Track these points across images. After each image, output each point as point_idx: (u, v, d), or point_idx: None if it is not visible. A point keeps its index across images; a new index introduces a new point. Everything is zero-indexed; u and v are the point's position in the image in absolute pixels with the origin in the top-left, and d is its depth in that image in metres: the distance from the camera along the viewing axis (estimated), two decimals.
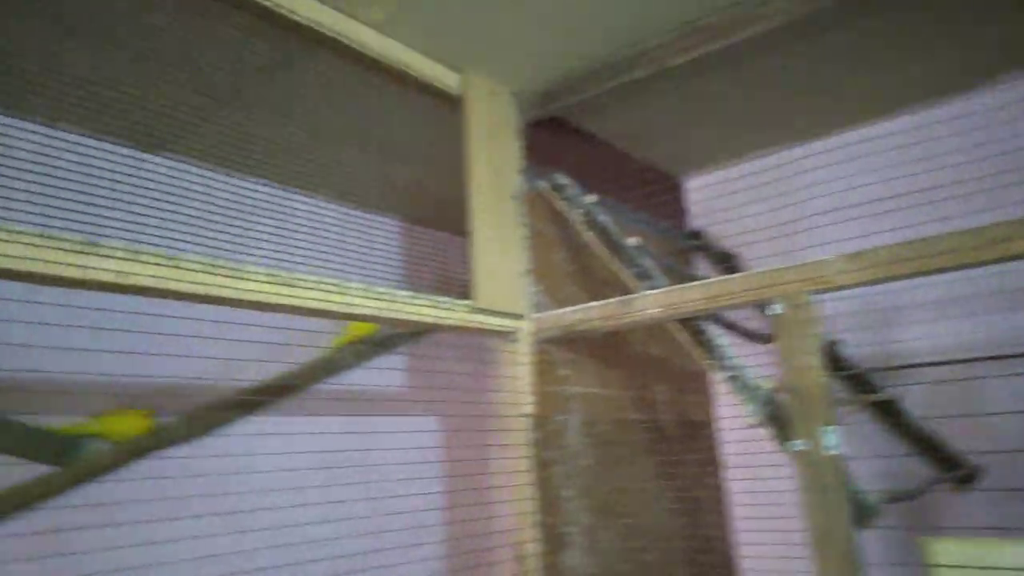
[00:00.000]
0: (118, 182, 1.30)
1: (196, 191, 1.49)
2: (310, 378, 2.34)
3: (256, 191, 1.59)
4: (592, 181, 2.15)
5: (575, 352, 2.05)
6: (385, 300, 1.65)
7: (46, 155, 1.19)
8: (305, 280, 1.51)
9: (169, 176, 1.57)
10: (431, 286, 2.26)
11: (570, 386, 2.02)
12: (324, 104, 1.83)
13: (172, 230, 1.36)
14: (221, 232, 1.44)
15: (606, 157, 2.42)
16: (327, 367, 2.37)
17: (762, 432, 1.62)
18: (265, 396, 2.19)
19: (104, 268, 1.21)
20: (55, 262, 1.16)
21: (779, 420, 1.58)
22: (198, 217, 1.48)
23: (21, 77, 1.18)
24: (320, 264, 1.68)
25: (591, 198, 2.04)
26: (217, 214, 1.54)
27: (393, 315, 1.67)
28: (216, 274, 1.36)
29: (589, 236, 2.01)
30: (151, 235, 1.32)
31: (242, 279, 1.40)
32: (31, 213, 1.18)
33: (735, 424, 2.49)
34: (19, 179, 1.17)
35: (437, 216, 2.52)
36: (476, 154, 1.91)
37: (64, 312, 1.45)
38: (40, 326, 1.55)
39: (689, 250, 2.68)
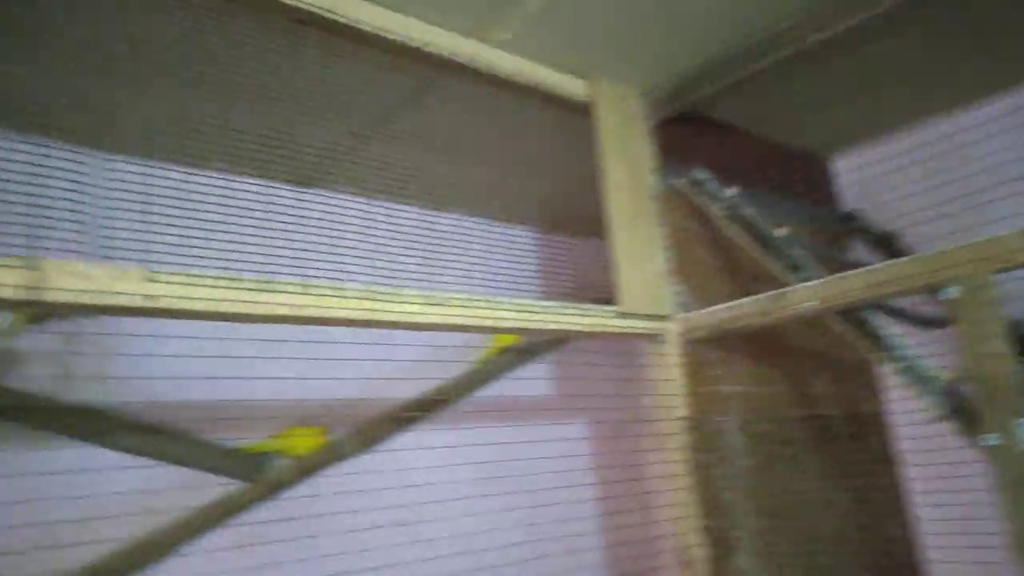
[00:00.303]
0: (286, 220, 1.41)
1: (350, 221, 1.58)
2: (462, 390, 2.43)
3: (405, 215, 1.67)
4: (732, 172, 2.07)
5: (726, 350, 1.99)
6: (532, 312, 1.68)
7: (227, 202, 1.32)
8: (456, 299, 1.57)
9: (326, 209, 1.68)
10: (570, 292, 2.27)
11: (724, 386, 1.96)
12: (460, 126, 1.90)
13: (334, 261, 1.45)
14: (378, 258, 1.53)
15: (745, 146, 2.33)
16: (477, 378, 2.44)
17: (944, 426, 1.49)
18: (422, 410, 2.29)
19: (280, 303, 1.32)
20: (238, 300, 1.28)
21: (965, 413, 1.45)
22: (355, 246, 1.58)
23: (199, 136, 1.31)
24: (466, 279, 1.73)
25: (732, 191, 1.97)
26: (370, 241, 1.63)
27: (541, 326, 1.69)
28: (376, 300, 1.45)
29: (733, 230, 1.94)
30: (317, 267, 1.42)
31: (399, 302, 1.48)
32: (214, 258, 1.31)
33: (911, 418, 2.30)
34: (203, 227, 1.31)
35: (572, 222, 2.53)
36: (609, 158, 1.90)
37: (247, 344, 1.60)
38: (224, 357, 1.71)
39: (844, 235, 2.51)
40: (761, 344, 2.07)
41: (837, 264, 1.96)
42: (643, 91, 2.02)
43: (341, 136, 1.64)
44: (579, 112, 1.92)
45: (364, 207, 1.64)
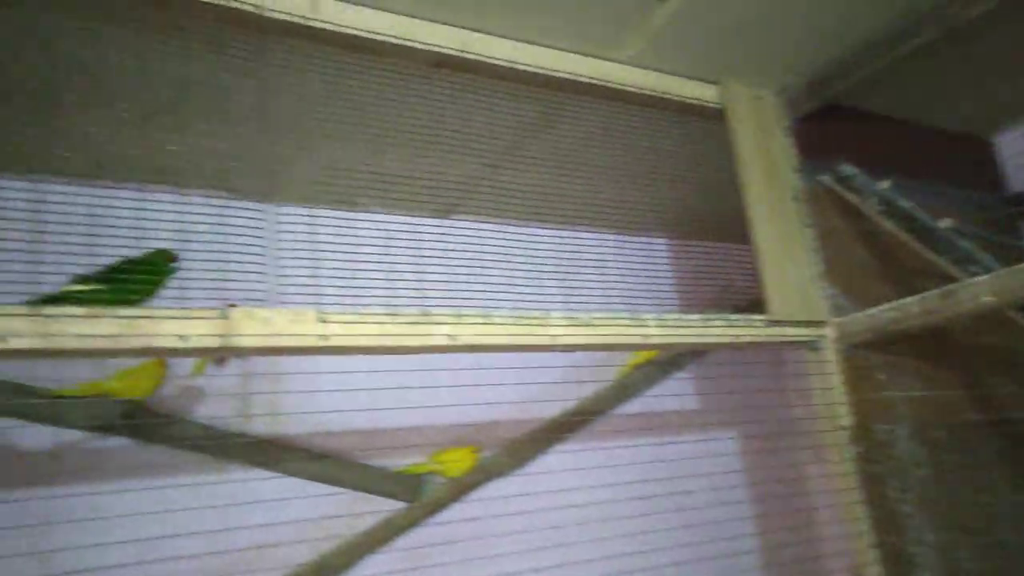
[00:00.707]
0: (433, 252, 1.47)
1: (490, 248, 1.62)
2: (604, 406, 2.42)
3: (542, 237, 1.69)
4: (884, 163, 1.95)
5: (890, 354, 1.86)
6: (678, 327, 1.65)
7: (383, 240, 1.40)
8: (600, 318, 1.57)
9: (467, 238, 1.74)
10: (710, 299, 2.21)
11: (891, 391, 1.83)
12: (590, 144, 1.90)
13: (480, 288, 1.50)
14: (520, 282, 1.56)
15: (895, 134, 2.18)
16: (620, 393, 2.43)
17: None
18: (568, 427, 2.30)
19: (436, 334, 1.38)
20: (399, 334, 1.36)
21: None
22: (497, 272, 1.61)
23: (352, 181, 1.40)
24: (606, 296, 1.73)
25: (885, 183, 1.85)
26: (512, 264, 1.66)
27: (687, 340, 1.66)
28: (522, 324, 1.48)
29: (890, 225, 1.82)
30: (465, 296, 1.48)
31: (546, 325, 1.50)
32: (375, 296, 1.39)
33: None
34: (364, 265, 1.39)
35: (707, 228, 2.47)
36: (747, 161, 1.85)
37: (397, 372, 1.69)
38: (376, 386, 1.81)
39: (1016, 218, 2.29)
40: (930, 345, 1.92)
41: (1012, 252, 1.79)
42: (778, 89, 1.94)
43: (477, 167, 1.70)
44: (712, 118, 1.88)
45: (501, 232, 1.68)
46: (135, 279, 1.24)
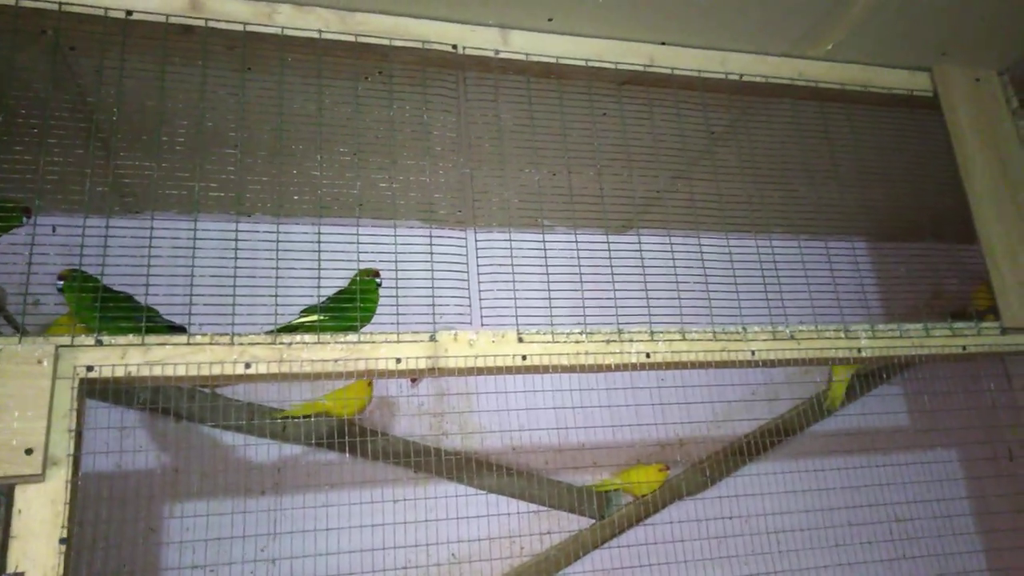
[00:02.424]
0: (631, 266, 1.46)
1: (680, 260, 1.58)
2: (803, 422, 2.28)
3: (737, 247, 1.62)
4: None
5: None
6: (894, 337, 1.51)
7: (575, 259, 1.42)
8: (803, 331, 1.48)
9: (641, 252, 1.70)
10: (918, 305, 2.00)
11: None
12: (783, 147, 1.80)
13: (672, 301, 1.46)
14: (714, 295, 1.50)
15: None
16: (820, 407, 2.27)
17: None
18: (762, 444, 2.19)
19: (631, 352, 1.37)
20: (595, 352, 1.36)
21: None
22: (689, 286, 1.56)
23: (542, 201, 1.43)
24: (808, 304, 1.62)
25: None
26: (703, 276, 1.60)
27: (906, 352, 1.52)
28: (722, 340, 1.42)
29: None
30: (660, 312, 1.44)
31: (745, 340, 1.43)
32: (569, 314, 1.40)
33: None
34: (557, 284, 1.41)
35: (914, 228, 2.24)
36: (968, 153, 1.66)
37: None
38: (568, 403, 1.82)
39: None
40: None
41: None
42: (1002, 68, 1.73)
43: (664, 179, 1.66)
44: (923, 107, 1.71)
45: (691, 244, 1.63)
46: (354, 307, 1.34)
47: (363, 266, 1.34)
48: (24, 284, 1.10)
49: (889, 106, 1.73)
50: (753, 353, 1.43)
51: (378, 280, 1.40)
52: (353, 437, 1.74)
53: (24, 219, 1.28)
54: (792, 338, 1.45)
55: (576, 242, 1.43)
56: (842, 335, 1.49)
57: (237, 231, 1.21)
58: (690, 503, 2.09)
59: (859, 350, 1.49)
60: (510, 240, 1.36)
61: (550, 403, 1.76)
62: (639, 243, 1.50)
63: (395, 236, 1.29)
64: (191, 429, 1.84)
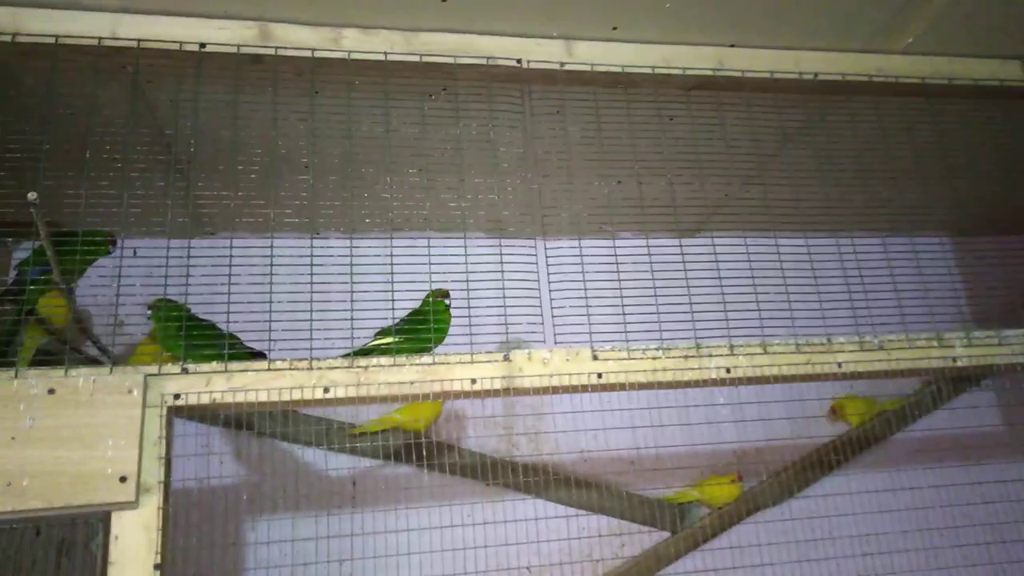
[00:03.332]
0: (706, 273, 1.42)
1: (759, 264, 1.51)
2: (888, 428, 2.17)
3: (817, 247, 1.54)
4: None
5: None
6: (991, 345, 1.42)
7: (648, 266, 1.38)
8: (893, 340, 1.41)
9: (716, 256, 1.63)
10: (1016, 303, 1.88)
11: None
12: (859, 144, 1.72)
13: (754, 313, 1.40)
14: (795, 303, 1.44)
15: None
16: (905, 414, 2.17)
17: None
18: (845, 452, 2.10)
19: (711, 367, 1.32)
20: (672, 369, 1.32)
21: None
22: (771, 290, 1.50)
23: (611, 209, 1.40)
24: (895, 309, 1.53)
25: None
26: (779, 280, 1.53)
27: (1005, 360, 1.43)
28: (805, 352, 1.36)
29: None
30: (739, 323, 1.39)
31: (831, 352, 1.37)
32: (644, 325, 1.36)
33: None
34: (630, 295, 1.37)
35: (1008, 221, 2.11)
36: None
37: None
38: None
39: None
40: None
41: None
42: None
43: (733, 183, 1.61)
44: (1015, 97, 1.61)
45: (765, 246, 1.56)
46: (427, 328, 1.34)
47: (435, 283, 1.33)
48: (110, 306, 1.14)
49: (977, 98, 1.63)
50: (840, 365, 1.36)
51: (447, 301, 1.40)
52: (425, 450, 1.75)
53: (111, 249, 1.33)
54: (881, 348, 1.38)
55: (648, 249, 1.40)
56: (935, 344, 1.41)
57: (312, 256, 1.22)
58: (770, 514, 2.02)
59: (954, 359, 1.41)
60: (580, 255, 1.33)
61: (624, 417, 1.73)
62: (713, 247, 1.45)
63: (466, 257, 1.28)
64: (271, 445, 1.88)
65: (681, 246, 1.42)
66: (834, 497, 2.00)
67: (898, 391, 2.13)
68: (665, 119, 1.46)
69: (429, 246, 1.26)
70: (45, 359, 1.30)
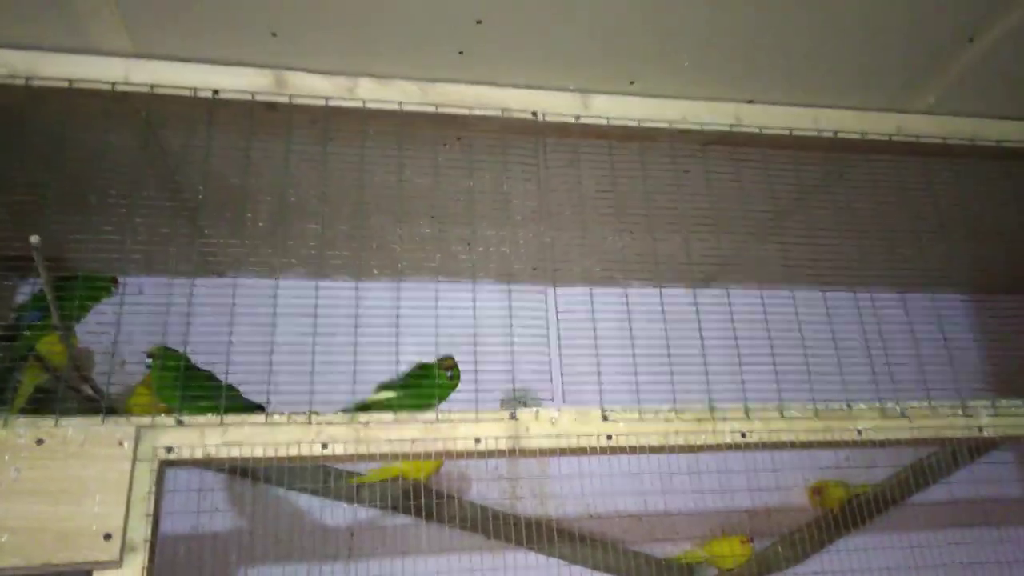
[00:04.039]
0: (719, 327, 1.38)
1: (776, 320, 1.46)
2: (907, 491, 2.10)
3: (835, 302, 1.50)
4: None
5: None
6: (1020, 415, 1.37)
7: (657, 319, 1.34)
8: (916, 408, 1.35)
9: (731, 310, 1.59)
10: None
11: None
12: (874, 203, 1.70)
13: (770, 372, 1.36)
14: (813, 363, 1.39)
15: None
16: (923, 477, 2.10)
17: None
18: (860, 515, 2.02)
19: (726, 431, 1.27)
20: (685, 432, 1.27)
21: None
22: (786, 348, 1.45)
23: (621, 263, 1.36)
24: (914, 371, 1.48)
25: None
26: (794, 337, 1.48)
27: None
28: (824, 419, 1.31)
29: None
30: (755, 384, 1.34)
31: (851, 419, 1.32)
32: (655, 383, 1.32)
33: None
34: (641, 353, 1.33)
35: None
36: None
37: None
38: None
39: None
40: None
41: None
42: None
43: (748, 240, 1.58)
44: None
45: (781, 300, 1.52)
46: (428, 384, 1.30)
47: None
48: (111, 346, 1.11)
49: (999, 159, 1.61)
50: (860, 433, 1.31)
51: (449, 374, 1.35)
52: (427, 500, 1.70)
53: (113, 290, 1.31)
54: (903, 416, 1.33)
55: (661, 298, 1.36)
56: (959, 412, 1.36)
57: (316, 303, 1.20)
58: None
59: (980, 428, 1.35)
60: (592, 309, 1.30)
61: (634, 479, 1.67)
62: (728, 299, 1.41)
63: (474, 310, 1.25)
64: (267, 491, 1.83)
65: (695, 297, 1.38)
66: (849, 559, 1.93)
67: (869, 477, 2.08)
68: (681, 172, 1.44)
69: (437, 291, 1.23)
70: (42, 397, 1.28)
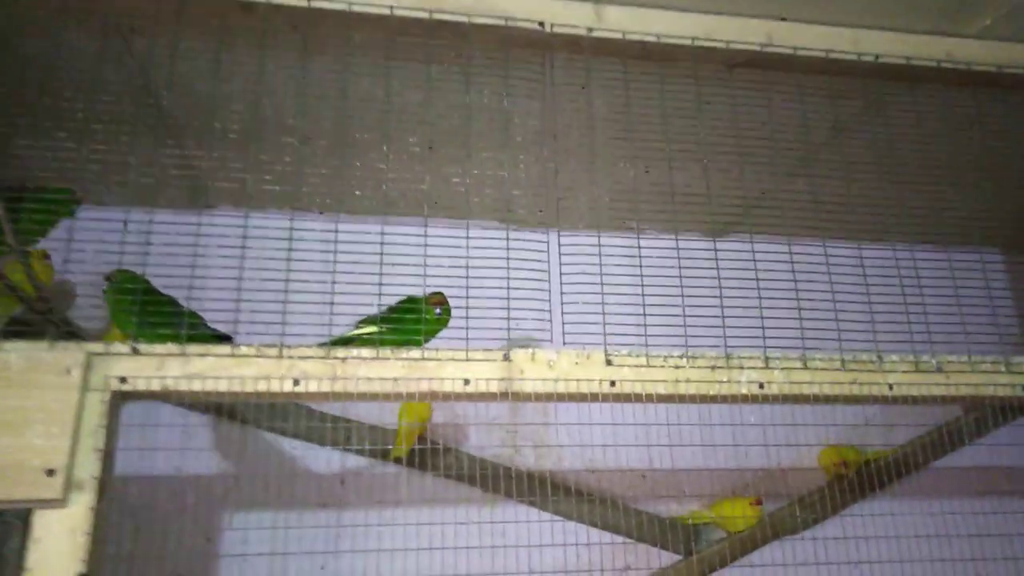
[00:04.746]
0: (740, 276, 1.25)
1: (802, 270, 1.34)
2: (928, 455, 2.00)
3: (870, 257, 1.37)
4: None
5: None
6: None
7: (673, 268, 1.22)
8: (953, 362, 1.23)
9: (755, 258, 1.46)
10: None
11: None
12: (909, 142, 1.55)
13: (795, 323, 1.23)
14: (843, 314, 1.26)
15: None
16: (947, 440, 1.99)
17: None
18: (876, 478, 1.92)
19: (742, 381, 1.16)
20: (697, 380, 1.15)
21: None
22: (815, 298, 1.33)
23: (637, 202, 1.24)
24: (956, 325, 1.35)
25: None
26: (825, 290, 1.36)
27: None
28: (852, 371, 1.19)
29: None
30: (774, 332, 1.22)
31: (883, 371, 1.20)
32: (667, 332, 1.20)
33: None
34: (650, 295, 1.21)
35: None
36: None
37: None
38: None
39: None
40: None
41: None
42: None
43: (777, 176, 1.44)
44: None
45: (811, 250, 1.39)
46: (414, 319, 1.18)
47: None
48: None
49: None
50: (891, 387, 1.19)
51: (438, 311, 1.24)
52: (421, 448, 1.61)
53: (74, 208, 1.19)
54: (940, 371, 1.21)
55: (677, 246, 1.23)
56: (1002, 368, 1.23)
57: (292, 229, 1.08)
58: (794, 543, 1.86)
59: (1021, 386, 1.23)
60: (599, 244, 1.17)
61: (639, 431, 1.57)
62: (752, 249, 1.29)
63: (467, 240, 1.12)
64: (255, 434, 1.75)
65: (716, 248, 1.25)
66: (863, 524, 1.83)
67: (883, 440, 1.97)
68: (703, 98, 1.30)
69: (426, 228, 1.11)
70: (22, 330, 1.18)
